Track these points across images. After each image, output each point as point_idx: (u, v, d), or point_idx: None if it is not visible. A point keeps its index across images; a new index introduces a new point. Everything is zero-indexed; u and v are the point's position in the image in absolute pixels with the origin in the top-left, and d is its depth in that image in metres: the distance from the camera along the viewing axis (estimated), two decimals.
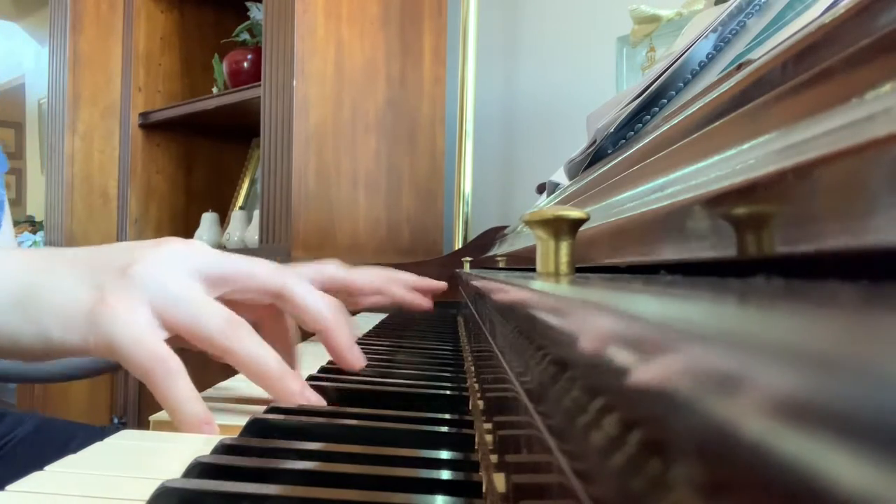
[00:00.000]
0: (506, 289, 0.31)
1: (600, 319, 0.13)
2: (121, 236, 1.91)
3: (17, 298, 0.38)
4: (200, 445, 0.32)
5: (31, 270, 0.39)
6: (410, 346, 0.73)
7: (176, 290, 0.39)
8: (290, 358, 0.46)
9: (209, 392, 0.49)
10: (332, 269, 0.64)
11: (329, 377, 0.52)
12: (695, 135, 0.25)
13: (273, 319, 0.47)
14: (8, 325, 0.38)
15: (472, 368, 0.56)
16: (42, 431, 0.79)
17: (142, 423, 1.05)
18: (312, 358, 0.56)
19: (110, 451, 0.34)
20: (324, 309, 0.45)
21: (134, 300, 0.37)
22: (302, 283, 0.44)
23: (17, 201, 3.65)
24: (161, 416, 0.41)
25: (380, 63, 1.58)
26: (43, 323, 0.38)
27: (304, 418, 0.38)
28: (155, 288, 0.38)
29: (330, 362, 0.58)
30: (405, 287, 0.75)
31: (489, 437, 0.34)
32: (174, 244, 0.41)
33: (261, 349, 0.40)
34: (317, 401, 0.42)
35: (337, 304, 0.47)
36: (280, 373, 0.40)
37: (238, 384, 0.50)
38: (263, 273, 0.44)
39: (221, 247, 1.76)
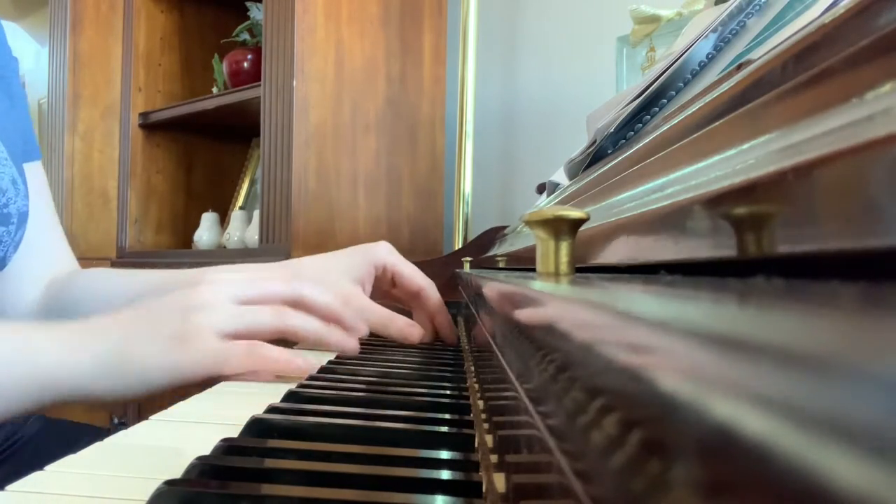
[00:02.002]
0: (506, 289, 0.31)
1: (600, 319, 0.13)
2: (121, 237, 1.91)
3: (112, 366, 0.48)
4: (201, 445, 0.32)
5: (113, 340, 0.49)
6: (410, 345, 0.73)
7: (226, 316, 0.50)
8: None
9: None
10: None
11: (329, 378, 0.52)
12: (695, 135, 0.25)
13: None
14: (111, 388, 0.49)
15: (472, 368, 0.56)
16: (47, 432, 0.79)
17: None
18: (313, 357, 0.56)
19: (110, 451, 0.34)
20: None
21: (203, 334, 0.49)
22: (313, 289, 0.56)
23: None
24: (162, 416, 0.42)
25: (380, 63, 1.58)
26: (143, 376, 0.49)
27: (304, 418, 0.38)
28: (214, 325, 0.50)
29: (330, 362, 0.58)
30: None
31: (489, 438, 0.34)
32: (209, 284, 0.52)
33: (307, 320, 0.54)
34: (355, 345, 0.58)
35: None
36: (326, 330, 0.55)
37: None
38: (277, 286, 0.55)
39: (221, 247, 1.76)
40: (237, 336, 0.50)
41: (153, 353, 0.48)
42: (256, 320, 0.51)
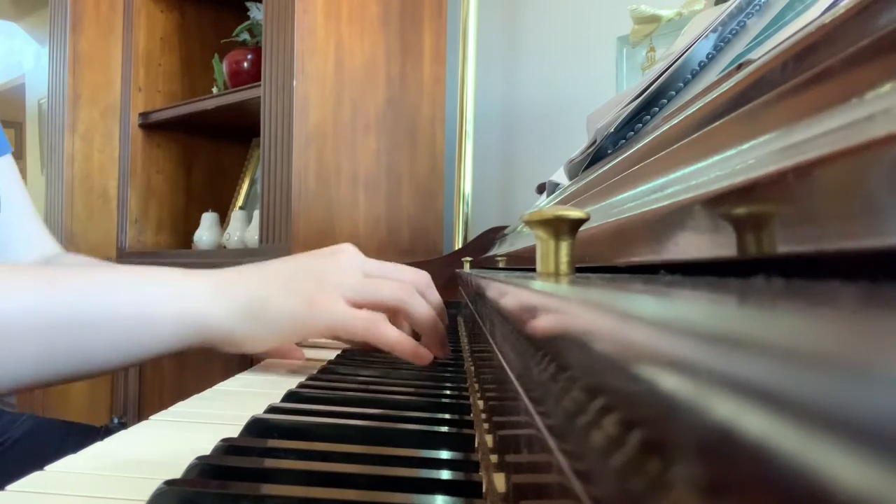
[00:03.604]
0: (506, 289, 0.31)
1: (600, 319, 0.13)
2: (121, 236, 1.91)
3: (252, 311, 0.53)
4: (201, 444, 0.32)
5: (254, 288, 0.54)
6: None
7: (355, 283, 0.55)
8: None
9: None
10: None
11: (329, 378, 0.52)
12: (695, 135, 0.25)
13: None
14: (250, 331, 0.53)
15: (472, 368, 0.56)
16: (37, 431, 0.79)
17: None
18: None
19: (110, 451, 0.34)
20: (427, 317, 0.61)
21: (332, 296, 0.54)
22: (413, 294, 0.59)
23: None
24: (162, 416, 0.42)
25: (380, 63, 1.58)
26: (274, 324, 0.53)
27: (304, 418, 0.38)
28: (342, 286, 0.54)
29: (330, 362, 0.58)
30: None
31: (489, 438, 0.34)
32: (344, 253, 0.58)
33: (423, 305, 0.57)
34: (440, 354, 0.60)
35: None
36: (433, 324, 0.58)
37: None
38: (406, 273, 0.61)
39: (221, 247, 1.76)
40: (360, 303, 0.55)
41: (288, 307, 0.53)
42: (380, 292, 0.55)
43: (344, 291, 0.54)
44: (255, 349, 0.55)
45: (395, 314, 0.57)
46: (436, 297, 0.61)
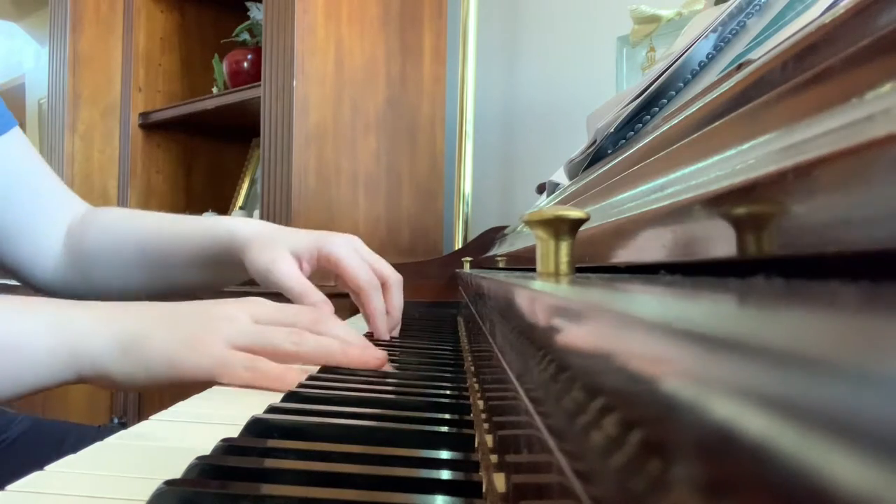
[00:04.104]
0: (506, 289, 0.31)
1: (600, 319, 0.13)
2: None
3: (128, 347, 0.50)
4: (201, 445, 0.32)
5: (137, 323, 0.52)
6: (410, 346, 0.73)
7: (242, 329, 0.52)
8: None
9: None
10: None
11: (329, 377, 0.52)
12: (695, 135, 0.25)
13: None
14: (123, 367, 0.50)
15: (472, 368, 0.56)
16: (35, 431, 0.79)
17: None
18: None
19: (110, 451, 0.34)
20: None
21: (215, 339, 0.51)
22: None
23: None
24: (162, 416, 0.42)
25: (380, 63, 1.58)
26: (147, 364, 0.50)
27: (304, 418, 0.38)
28: (228, 336, 0.51)
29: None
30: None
31: (489, 438, 0.34)
32: (239, 302, 0.55)
33: (321, 343, 0.53)
34: (378, 359, 0.55)
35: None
36: (341, 348, 0.54)
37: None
38: (304, 317, 0.56)
39: None
40: (248, 351, 0.52)
41: (167, 346, 0.51)
42: (270, 339, 0.52)
43: (230, 336, 0.51)
44: (133, 387, 0.52)
45: (287, 360, 0.53)
46: (338, 330, 0.56)
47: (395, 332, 0.81)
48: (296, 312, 0.56)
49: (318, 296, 0.71)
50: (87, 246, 0.81)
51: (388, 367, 0.57)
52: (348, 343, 0.55)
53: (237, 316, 0.53)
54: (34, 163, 0.83)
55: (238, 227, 0.77)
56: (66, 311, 0.51)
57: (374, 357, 0.55)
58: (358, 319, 1.00)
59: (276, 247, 0.73)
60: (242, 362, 0.50)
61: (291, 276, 0.71)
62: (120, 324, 0.51)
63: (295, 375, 0.50)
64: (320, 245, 0.74)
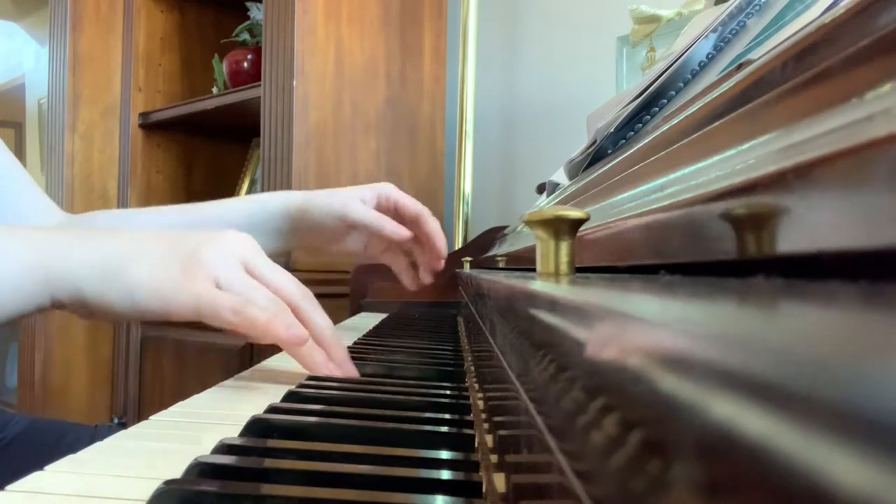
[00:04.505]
0: (506, 289, 0.31)
1: (600, 319, 0.13)
2: None
3: (109, 270, 0.47)
4: (200, 444, 0.32)
5: (119, 246, 0.48)
6: (410, 346, 0.73)
7: (229, 274, 0.49)
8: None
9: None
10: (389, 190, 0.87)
11: (329, 377, 0.52)
12: (695, 135, 0.25)
13: None
14: (101, 292, 0.47)
15: (472, 368, 0.56)
16: (32, 431, 0.79)
17: None
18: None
19: (110, 451, 0.34)
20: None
21: (202, 276, 0.48)
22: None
23: None
24: (162, 416, 0.42)
25: (380, 63, 1.58)
26: (132, 292, 0.47)
27: (304, 418, 0.38)
28: (216, 271, 0.48)
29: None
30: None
31: (489, 438, 0.34)
32: (228, 236, 0.51)
33: (296, 329, 0.49)
34: (343, 373, 0.51)
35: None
36: (308, 347, 0.50)
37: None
38: (292, 286, 0.53)
39: None
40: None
41: (149, 276, 0.47)
42: (251, 297, 0.48)
43: (216, 274, 0.48)
44: (110, 316, 0.49)
45: (254, 325, 0.49)
46: (319, 319, 0.52)
47: (441, 265, 0.90)
48: (287, 280, 0.52)
49: (395, 225, 0.80)
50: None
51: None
52: (322, 341, 0.51)
53: (228, 259, 0.50)
54: (14, 165, 0.80)
55: (284, 193, 0.84)
56: (44, 233, 0.49)
57: (329, 370, 0.51)
58: (359, 318, 1.00)
59: (342, 192, 0.83)
60: (231, 304, 0.47)
61: (368, 211, 0.81)
62: (102, 247, 0.48)
63: (283, 324, 0.47)
64: (378, 190, 0.85)
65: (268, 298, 0.49)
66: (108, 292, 0.47)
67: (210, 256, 0.49)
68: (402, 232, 0.82)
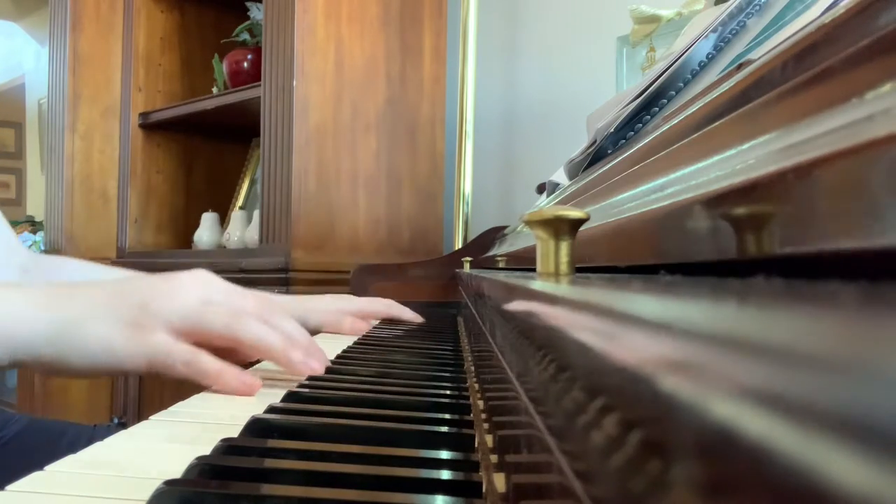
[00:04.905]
0: (506, 289, 0.31)
1: (600, 319, 0.13)
2: (121, 237, 1.91)
3: (65, 331, 0.48)
4: (201, 445, 0.32)
5: (74, 305, 0.49)
6: (410, 346, 0.73)
7: (183, 311, 0.49)
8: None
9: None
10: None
11: (329, 378, 0.52)
12: (695, 135, 0.25)
13: None
14: (59, 353, 0.48)
15: (472, 368, 0.56)
16: (31, 431, 0.79)
17: None
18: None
19: (110, 451, 0.34)
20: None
21: (153, 325, 0.48)
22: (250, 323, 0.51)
23: (17, 201, 3.65)
24: (162, 416, 0.42)
25: (380, 63, 1.58)
26: (88, 350, 0.48)
27: (304, 418, 0.38)
28: (169, 316, 0.49)
29: (332, 361, 0.58)
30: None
31: (489, 438, 0.34)
32: (182, 279, 0.51)
33: (266, 332, 0.50)
34: (319, 368, 0.52)
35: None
36: (283, 345, 0.51)
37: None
38: (249, 301, 0.53)
39: (221, 247, 1.76)
40: (187, 333, 0.49)
41: (102, 332, 0.48)
42: (209, 320, 0.49)
43: (169, 319, 0.48)
44: (70, 374, 0.49)
45: (228, 344, 0.50)
46: (285, 324, 0.53)
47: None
48: (246, 295, 0.53)
49: (351, 323, 0.85)
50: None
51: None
52: (293, 342, 0.52)
53: (183, 294, 0.50)
54: None
55: None
56: (7, 293, 0.49)
57: (310, 368, 0.51)
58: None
59: (304, 305, 0.85)
60: (182, 356, 0.47)
61: (325, 316, 0.86)
62: (57, 307, 0.48)
63: (232, 374, 0.48)
64: (337, 306, 0.89)
65: (225, 315, 0.49)
66: (65, 352, 0.48)
67: (162, 305, 0.49)
68: (359, 327, 0.85)
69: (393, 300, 0.98)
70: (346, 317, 0.86)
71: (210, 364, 0.48)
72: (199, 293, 0.51)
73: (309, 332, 0.59)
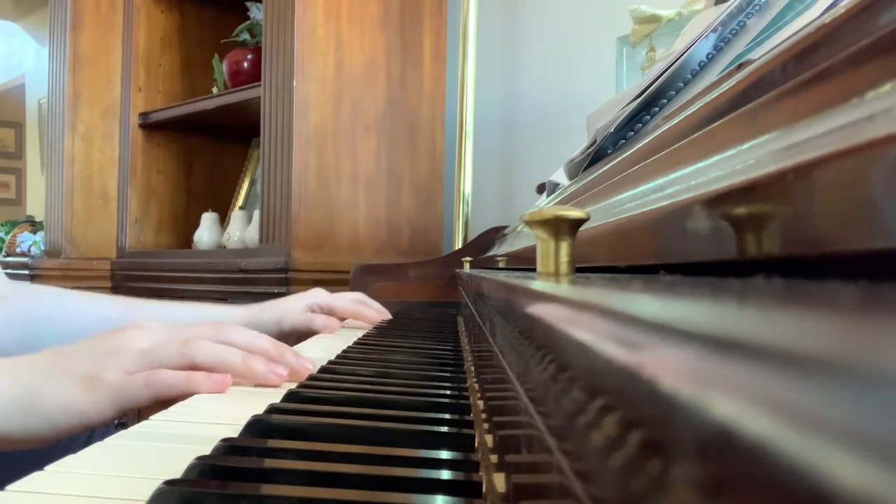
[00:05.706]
0: (506, 289, 0.31)
1: (600, 319, 0.13)
2: (121, 237, 1.91)
3: (24, 403, 0.48)
4: (201, 445, 0.32)
5: (30, 375, 0.49)
6: (410, 346, 0.73)
7: (133, 356, 0.50)
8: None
9: None
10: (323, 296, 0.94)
11: (329, 378, 0.52)
12: (695, 135, 0.25)
13: None
14: (24, 426, 0.48)
15: (472, 368, 0.56)
16: None
17: None
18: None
19: (110, 451, 0.34)
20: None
21: (109, 369, 0.49)
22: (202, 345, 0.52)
23: (17, 201, 3.65)
24: (162, 416, 0.42)
25: (380, 63, 1.58)
26: (51, 416, 0.48)
27: (304, 418, 0.38)
28: (124, 363, 0.49)
29: (330, 362, 0.58)
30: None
31: (489, 438, 0.34)
32: (131, 328, 0.53)
33: (218, 350, 0.51)
34: (285, 374, 0.52)
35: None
36: (241, 358, 0.52)
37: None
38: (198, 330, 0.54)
39: (221, 247, 1.76)
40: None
41: (59, 394, 0.48)
42: (163, 354, 0.50)
43: (124, 366, 0.49)
44: (37, 443, 0.50)
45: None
46: (242, 337, 0.54)
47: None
48: (193, 328, 0.55)
49: (323, 321, 0.91)
50: (40, 314, 0.80)
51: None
52: (253, 353, 0.53)
53: (129, 342, 0.51)
54: None
55: (230, 309, 0.92)
56: None
57: (277, 375, 0.52)
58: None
59: (279, 307, 0.90)
60: (139, 379, 0.48)
61: (298, 316, 0.90)
62: (10, 380, 0.49)
63: (200, 376, 0.49)
64: (311, 300, 0.93)
65: (174, 347, 0.50)
66: (33, 424, 0.48)
67: (113, 350, 0.50)
68: (332, 325, 0.90)
69: (364, 294, 1.02)
70: (318, 316, 0.90)
71: (172, 375, 0.48)
72: (146, 339, 0.52)
73: (295, 335, 0.60)
